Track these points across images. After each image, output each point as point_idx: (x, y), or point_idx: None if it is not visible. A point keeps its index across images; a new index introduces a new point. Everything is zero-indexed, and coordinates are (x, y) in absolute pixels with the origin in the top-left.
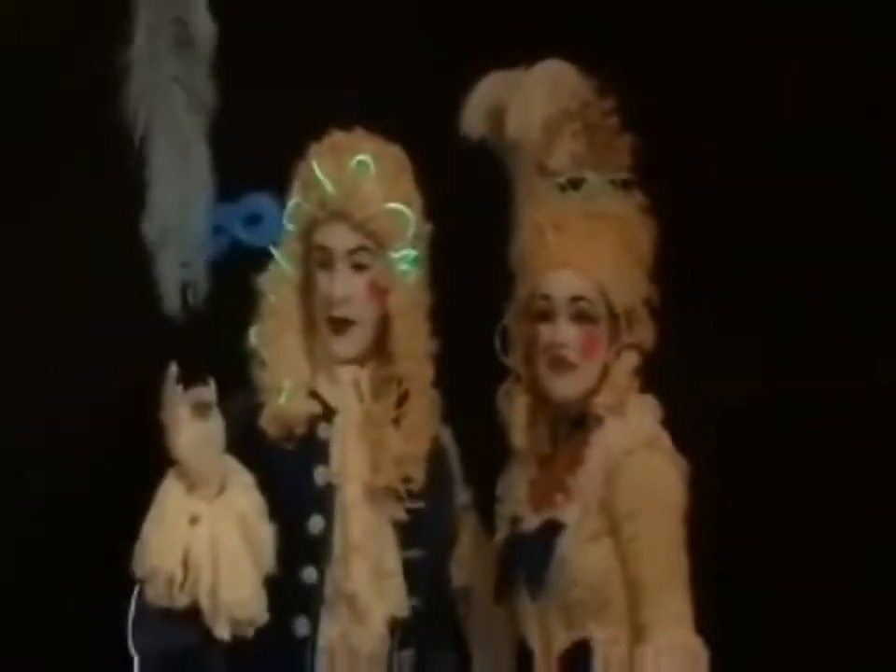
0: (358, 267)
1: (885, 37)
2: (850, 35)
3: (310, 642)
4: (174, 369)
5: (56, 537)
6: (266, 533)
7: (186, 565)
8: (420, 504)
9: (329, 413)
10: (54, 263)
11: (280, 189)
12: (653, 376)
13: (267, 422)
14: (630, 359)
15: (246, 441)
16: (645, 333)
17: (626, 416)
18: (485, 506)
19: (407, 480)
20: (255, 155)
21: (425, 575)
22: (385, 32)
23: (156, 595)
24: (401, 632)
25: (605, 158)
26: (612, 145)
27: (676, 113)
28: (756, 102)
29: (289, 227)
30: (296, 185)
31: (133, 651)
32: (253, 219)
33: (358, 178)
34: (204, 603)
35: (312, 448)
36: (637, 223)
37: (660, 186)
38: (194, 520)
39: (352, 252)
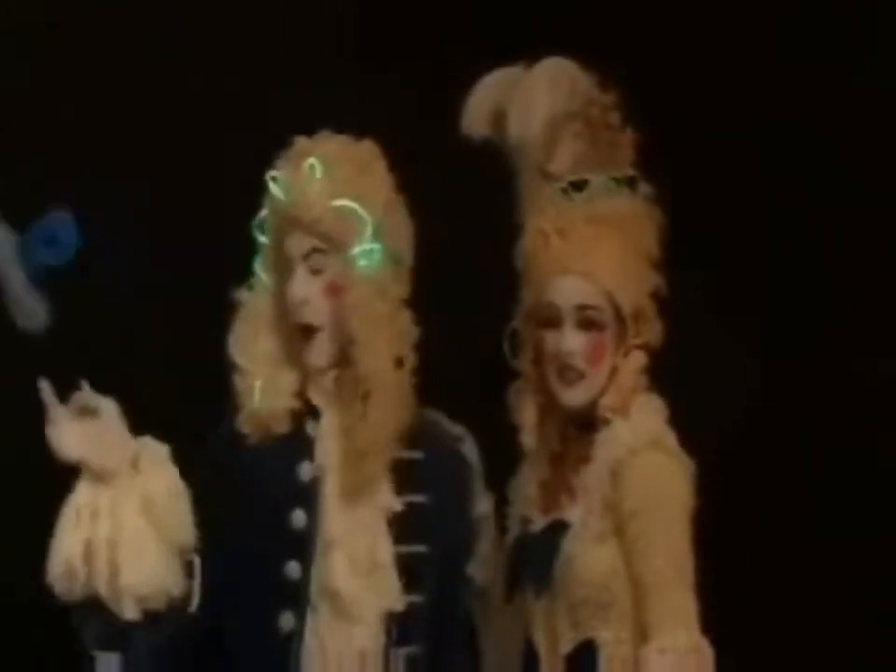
0: (315, 271)
1: (888, 32)
2: (855, 29)
3: (295, 638)
4: (43, 384)
5: None
6: (175, 508)
7: (87, 557)
8: (422, 499)
9: (316, 413)
10: None
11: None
12: (658, 375)
13: (243, 424)
14: (637, 359)
15: (232, 442)
16: (652, 332)
17: (632, 416)
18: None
19: (371, 474)
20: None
21: (427, 571)
22: (384, 28)
23: (61, 592)
24: (399, 628)
25: (608, 156)
26: (615, 141)
27: (678, 106)
28: (759, 94)
29: (261, 238)
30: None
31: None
32: (51, 240)
33: (306, 181)
34: (102, 591)
35: (298, 444)
36: (641, 220)
37: (662, 181)
38: (94, 513)
39: (307, 255)
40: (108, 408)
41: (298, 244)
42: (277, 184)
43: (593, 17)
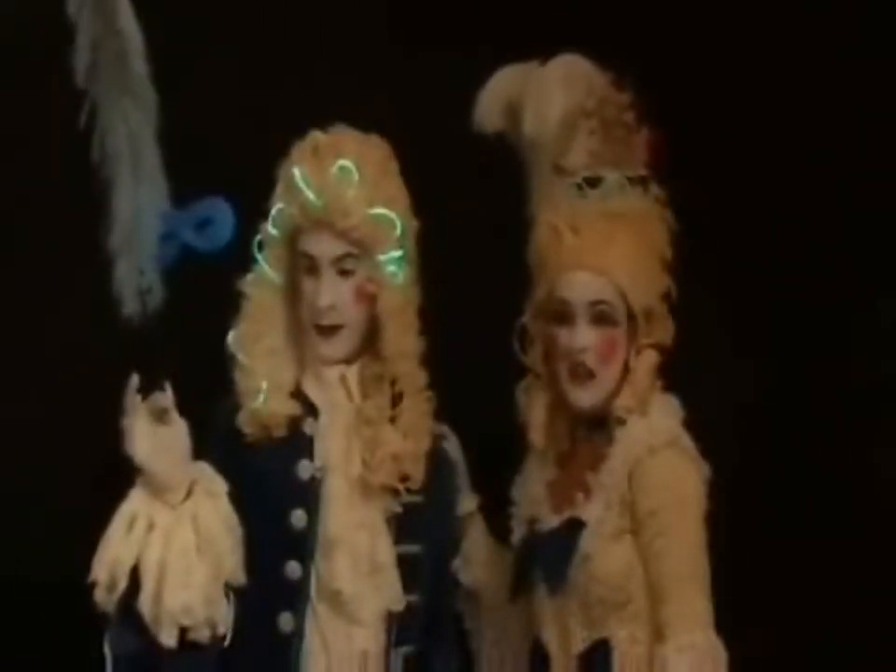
0: (344, 273)
1: None
2: (872, 27)
3: (295, 638)
4: (134, 378)
5: (21, 544)
6: (227, 543)
7: (135, 571)
8: (416, 499)
9: (314, 411)
10: (13, 272)
11: (260, 192)
12: (671, 376)
13: (244, 423)
14: (650, 359)
15: (231, 440)
16: (664, 332)
17: (649, 415)
18: (494, 508)
19: (405, 478)
20: (244, 154)
21: (422, 571)
22: (395, 22)
23: (99, 599)
24: (399, 628)
25: (621, 154)
26: (629, 141)
27: (692, 107)
28: (773, 96)
29: (273, 231)
30: (278, 189)
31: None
32: (204, 224)
33: (341, 185)
34: (145, 610)
35: (296, 443)
36: (654, 220)
37: (675, 181)
38: (151, 526)
39: (337, 259)
40: (181, 424)
41: (327, 247)
42: (305, 183)
43: (607, 17)
